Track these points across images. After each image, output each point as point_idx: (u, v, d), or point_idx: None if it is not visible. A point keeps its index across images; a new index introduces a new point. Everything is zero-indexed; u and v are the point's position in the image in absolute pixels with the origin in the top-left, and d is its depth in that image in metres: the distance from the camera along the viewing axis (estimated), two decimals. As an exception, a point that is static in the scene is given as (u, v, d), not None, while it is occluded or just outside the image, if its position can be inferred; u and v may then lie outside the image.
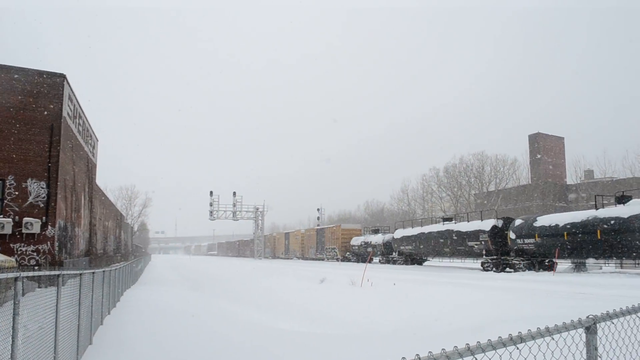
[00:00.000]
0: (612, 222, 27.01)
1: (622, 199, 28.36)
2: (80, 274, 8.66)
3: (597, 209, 29.15)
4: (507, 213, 67.20)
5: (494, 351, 2.57)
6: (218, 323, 13.61)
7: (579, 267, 30.99)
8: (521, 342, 2.72)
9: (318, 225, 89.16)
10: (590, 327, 3.38)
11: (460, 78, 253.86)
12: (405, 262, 49.73)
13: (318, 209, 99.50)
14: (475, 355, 2.48)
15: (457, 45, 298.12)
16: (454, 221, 43.80)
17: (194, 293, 24.72)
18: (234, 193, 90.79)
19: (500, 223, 36.61)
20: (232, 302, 21.00)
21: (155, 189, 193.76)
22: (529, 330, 2.86)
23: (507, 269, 33.82)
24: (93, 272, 10.54)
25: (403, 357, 2.35)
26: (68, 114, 21.97)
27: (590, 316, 3.39)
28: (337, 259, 64.72)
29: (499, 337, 2.65)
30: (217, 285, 30.12)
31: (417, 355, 2.30)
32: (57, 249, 20.09)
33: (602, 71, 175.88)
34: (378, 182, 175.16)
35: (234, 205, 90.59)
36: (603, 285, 20.00)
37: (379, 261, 55.82)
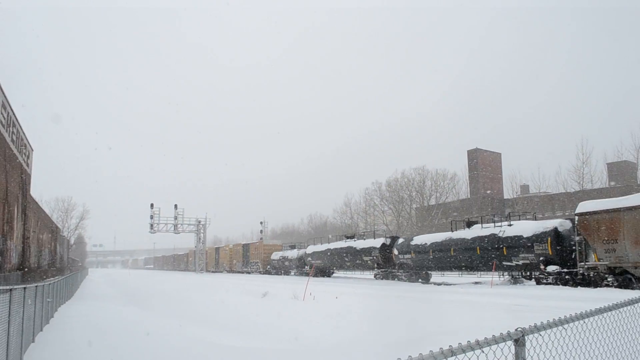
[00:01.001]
0: (460, 242, 33.14)
1: (468, 224, 34.60)
2: (11, 290, 8.32)
3: (452, 231, 35.35)
4: (447, 227, 68.74)
5: (425, 365, 2.64)
6: (156, 339, 13.29)
7: (516, 280, 32.19)
8: (452, 356, 2.80)
9: (261, 238, 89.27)
10: (519, 340, 3.50)
11: (407, 96, 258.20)
12: (316, 275, 53.60)
13: (261, 222, 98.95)
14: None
15: (408, 64, 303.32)
16: (354, 239, 49.83)
17: (131, 308, 24.06)
18: (176, 205, 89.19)
19: (388, 241, 42.88)
20: (173, 317, 20.51)
21: (94, 201, 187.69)
22: (459, 343, 2.95)
23: (395, 279, 39.72)
24: (24, 288, 10.13)
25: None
26: (0, 121, 21.10)
27: (518, 329, 3.52)
28: (260, 272, 69.42)
29: (430, 350, 2.72)
30: (155, 299, 29.40)
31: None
32: (-14, 263, 19.18)
33: (536, 89, 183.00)
34: (322, 196, 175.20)
35: (176, 218, 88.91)
36: (538, 297, 20.96)
37: (294, 274, 60.14)
